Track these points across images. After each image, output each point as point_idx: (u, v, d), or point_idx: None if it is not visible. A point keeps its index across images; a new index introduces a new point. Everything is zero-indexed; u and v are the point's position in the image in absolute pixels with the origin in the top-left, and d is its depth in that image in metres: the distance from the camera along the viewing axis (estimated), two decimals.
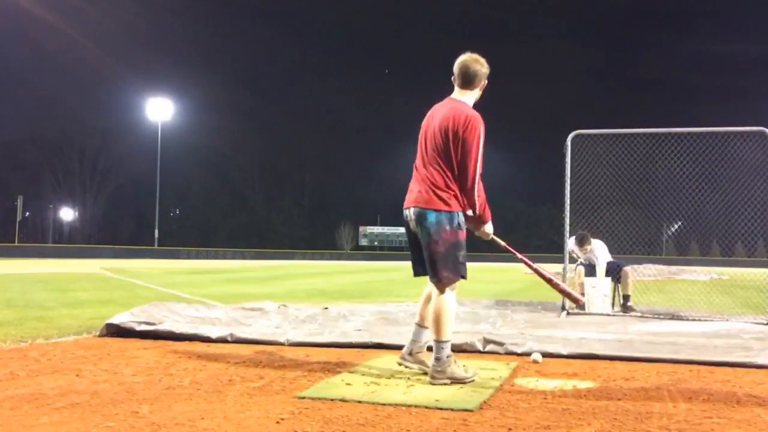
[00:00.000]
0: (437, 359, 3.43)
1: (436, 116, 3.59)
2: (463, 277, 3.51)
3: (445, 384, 3.35)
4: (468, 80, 3.62)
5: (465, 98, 3.63)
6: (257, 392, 3.20)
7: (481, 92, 3.71)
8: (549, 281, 3.88)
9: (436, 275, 3.47)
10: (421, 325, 3.76)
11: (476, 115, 3.51)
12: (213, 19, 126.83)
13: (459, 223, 3.48)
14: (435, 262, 3.45)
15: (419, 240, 3.56)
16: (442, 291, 3.49)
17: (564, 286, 4.01)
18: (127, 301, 8.83)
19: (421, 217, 3.48)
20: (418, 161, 3.63)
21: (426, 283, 3.69)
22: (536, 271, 3.90)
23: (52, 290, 11.25)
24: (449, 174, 3.48)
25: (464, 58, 3.64)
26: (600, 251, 7.77)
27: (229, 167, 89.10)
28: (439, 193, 3.46)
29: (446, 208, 3.45)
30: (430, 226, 3.45)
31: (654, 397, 3.20)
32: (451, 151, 3.45)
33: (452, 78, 3.70)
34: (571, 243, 7.82)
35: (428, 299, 3.67)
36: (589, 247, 7.76)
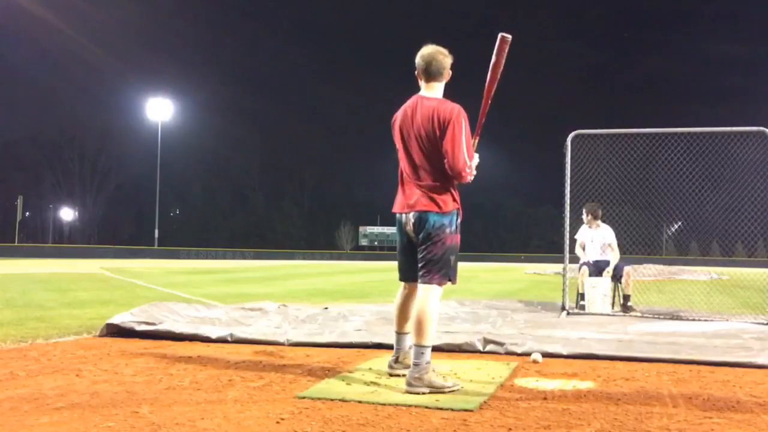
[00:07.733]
0: (416, 365, 3.23)
1: (413, 118, 3.46)
2: (452, 281, 3.43)
3: (422, 393, 3.14)
4: (433, 73, 3.51)
5: (435, 93, 3.52)
6: (257, 392, 3.20)
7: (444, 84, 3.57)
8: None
9: (428, 277, 3.37)
10: (400, 333, 3.66)
11: (457, 106, 3.41)
12: (213, 19, 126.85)
13: (457, 226, 3.44)
14: (430, 264, 3.37)
15: (413, 245, 3.49)
16: (428, 295, 3.36)
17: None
18: (127, 301, 8.83)
19: (421, 220, 3.40)
20: (406, 166, 3.50)
21: (398, 290, 3.66)
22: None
23: (52, 290, 11.24)
24: (442, 173, 3.40)
25: (427, 50, 3.51)
26: (610, 236, 7.80)
27: (229, 167, 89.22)
28: (435, 195, 3.39)
29: (445, 209, 3.38)
30: (430, 228, 3.36)
31: (654, 397, 3.20)
32: (441, 148, 3.36)
33: (415, 72, 3.56)
34: (582, 230, 7.92)
35: (403, 305, 3.61)
36: (599, 222, 7.81)
